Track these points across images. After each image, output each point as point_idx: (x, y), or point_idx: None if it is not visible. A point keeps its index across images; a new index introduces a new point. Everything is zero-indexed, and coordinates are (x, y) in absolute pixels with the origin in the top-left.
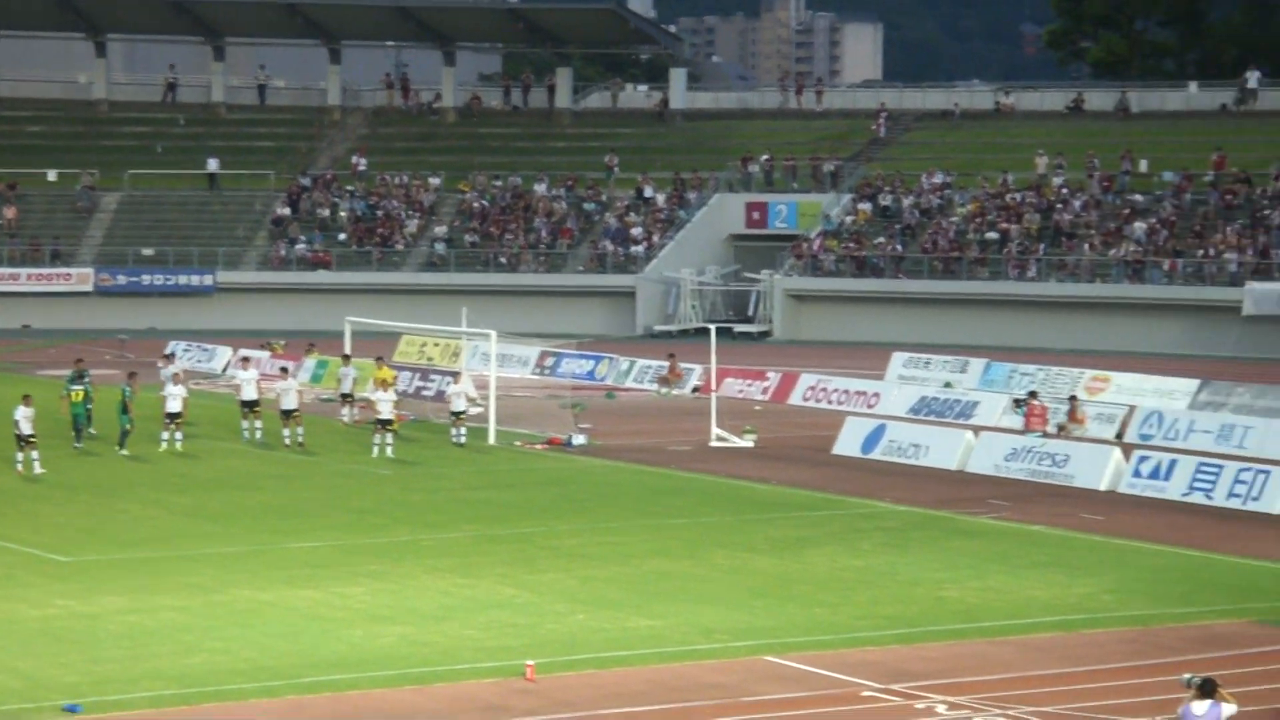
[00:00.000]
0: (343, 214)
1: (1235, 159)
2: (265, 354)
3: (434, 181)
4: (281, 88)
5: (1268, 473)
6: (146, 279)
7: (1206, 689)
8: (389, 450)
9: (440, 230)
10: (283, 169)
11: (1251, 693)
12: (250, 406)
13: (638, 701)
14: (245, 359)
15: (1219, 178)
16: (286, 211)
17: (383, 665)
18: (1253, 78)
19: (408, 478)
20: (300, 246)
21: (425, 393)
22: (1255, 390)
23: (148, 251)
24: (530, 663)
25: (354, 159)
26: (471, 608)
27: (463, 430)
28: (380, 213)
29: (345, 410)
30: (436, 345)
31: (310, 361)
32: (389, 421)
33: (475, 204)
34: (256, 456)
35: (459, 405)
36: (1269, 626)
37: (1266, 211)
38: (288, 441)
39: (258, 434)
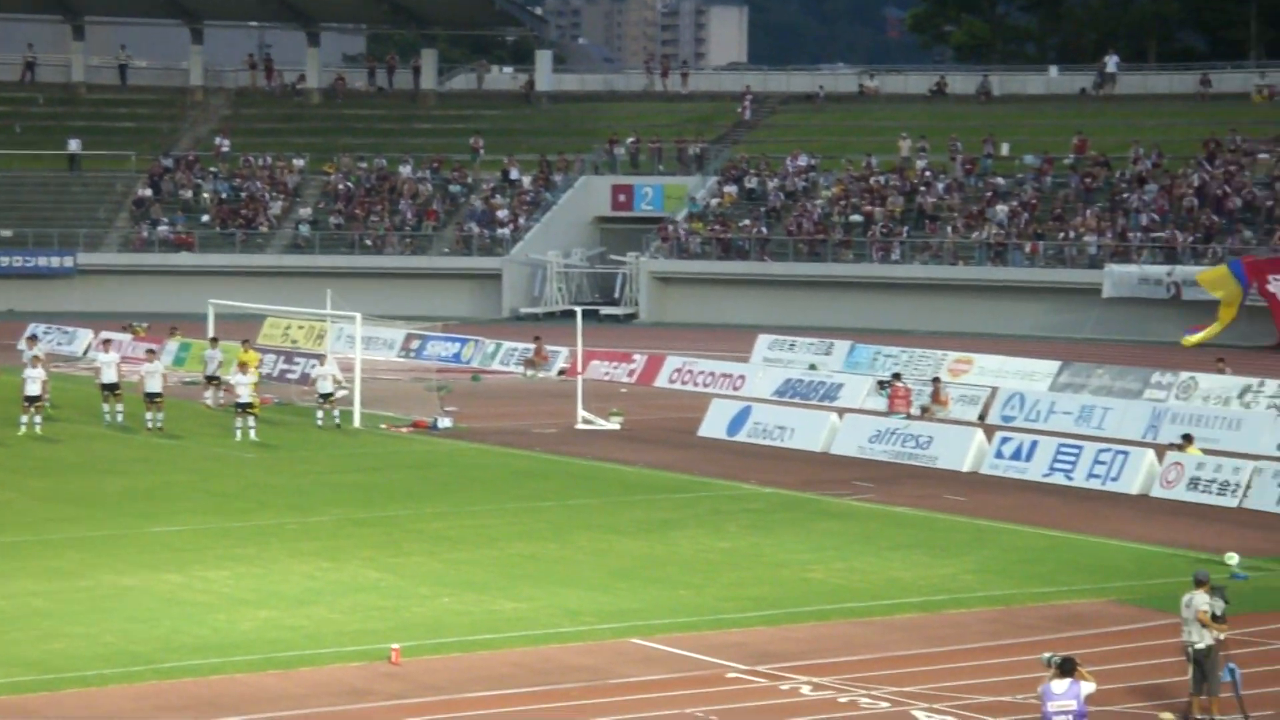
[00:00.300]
0: (205, 195)
1: (1095, 142)
2: (127, 337)
3: (298, 163)
4: (143, 68)
5: (1126, 453)
6: (5, 261)
7: (1066, 668)
8: (252, 433)
9: (305, 212)
10: (144, 150)
11: (1110, 671)
12: (111, 389)
13: (504, 684)
14: (106, 341)
15: (1079, 161)
16: (148, 193)
17: (246, 650)
18: (1111, 62)
19: (272, 461)
20: (163, 228)
21: (289, 375)
22: (1114, 372)
23: (6, 233)
24: (396, 646)
25: (217, 140)
26: (336, 591)
27: (336, 412)
28: (244, 194)
29: (208, 393)
30: (301, 328)
31: (173, 344)
32: (249, 405)
33: (340, 186)
34: (118, 440)
35: (326, 387)
36: (1127, 605)
37: (1125, 195)
38: (150, 425)
39: (119, 417)
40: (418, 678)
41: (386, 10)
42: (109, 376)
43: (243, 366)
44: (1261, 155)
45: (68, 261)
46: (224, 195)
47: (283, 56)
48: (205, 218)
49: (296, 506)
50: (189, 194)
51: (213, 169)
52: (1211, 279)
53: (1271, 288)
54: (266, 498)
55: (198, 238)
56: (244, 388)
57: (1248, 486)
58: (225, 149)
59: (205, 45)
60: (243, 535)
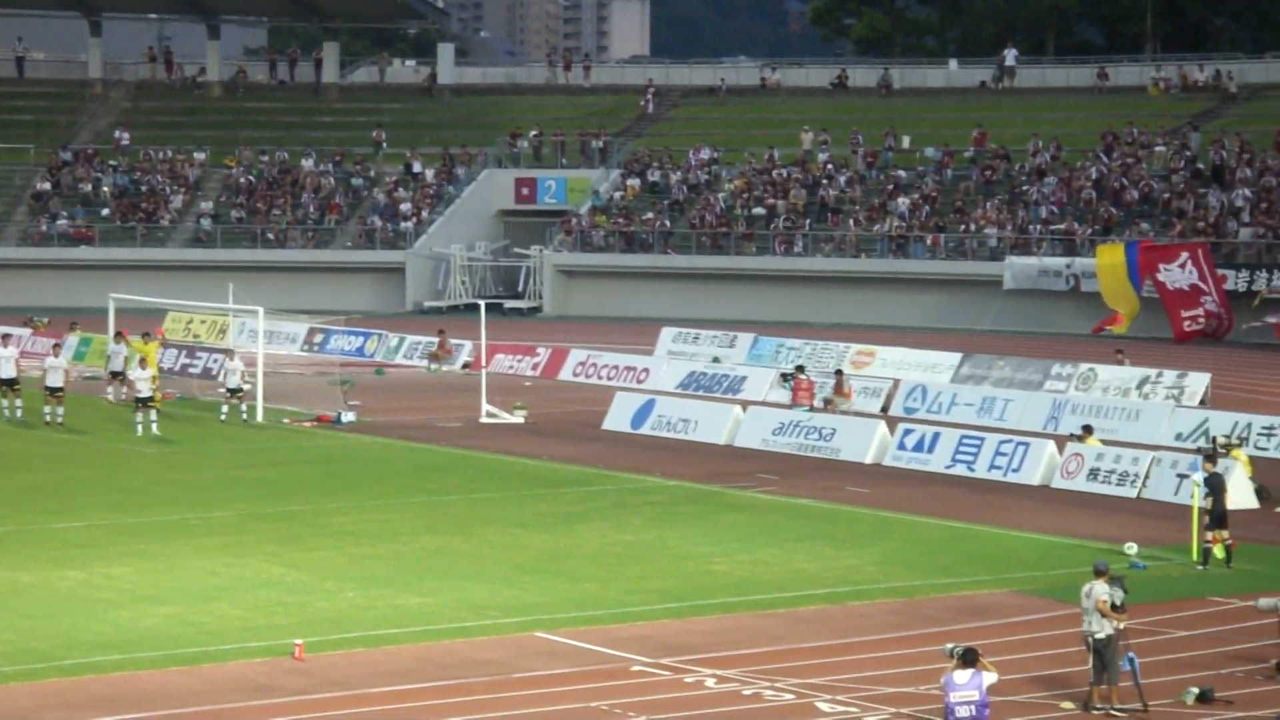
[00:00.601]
0: (105, 189)
1: (995, 135)
2: (27, 331)
3: (199, 156)
4: (40, 60)
5: (1027, 444)
6: None
7: (968, 658)
8: (154, 428)
9: (206, 206)
10: (43, 143)
11: (1012, 661)
12: (10, 385)
13: (408, 679)
14: (5, 336)
15: (979, 154)
16: (47, 186)
17: (149, 646)
18: (1010, 55)
19: (173, 456)
20: (62, 222)
21: (191, 370)
22: (1015, 363)
23: None
24: (299, 642)
25: (117, 133)
26: (240, 587)
27: (244, 406)
28: (144, 188)
29: (110, 389)
30: (203, 322)
31: (73, 339)
32: (149, 399)
33: (241, 179)
34: (17, 435)
35: (235, 382)
36: (1029, 596)
37: (1025, 187)
38: (48, 419)
39: (18, 413)
40: (321, 673)
41: (287, 3)
42: (7, 371)
43: (143, 362)
44: (1158, 148)
45: None
46: (124, 189)
47: (183, 49)
48: (105, 211)
49: (199, 502)
50: (88, 187)
51: (112, 162)
52: (1106, 265)
53: (1162, 277)
54: (168, 493)
55: (98, 231)
56: (144, 383)
57: (1146, 477)
58: (125, 142)
59: (104, 38)
60: (145, 531)
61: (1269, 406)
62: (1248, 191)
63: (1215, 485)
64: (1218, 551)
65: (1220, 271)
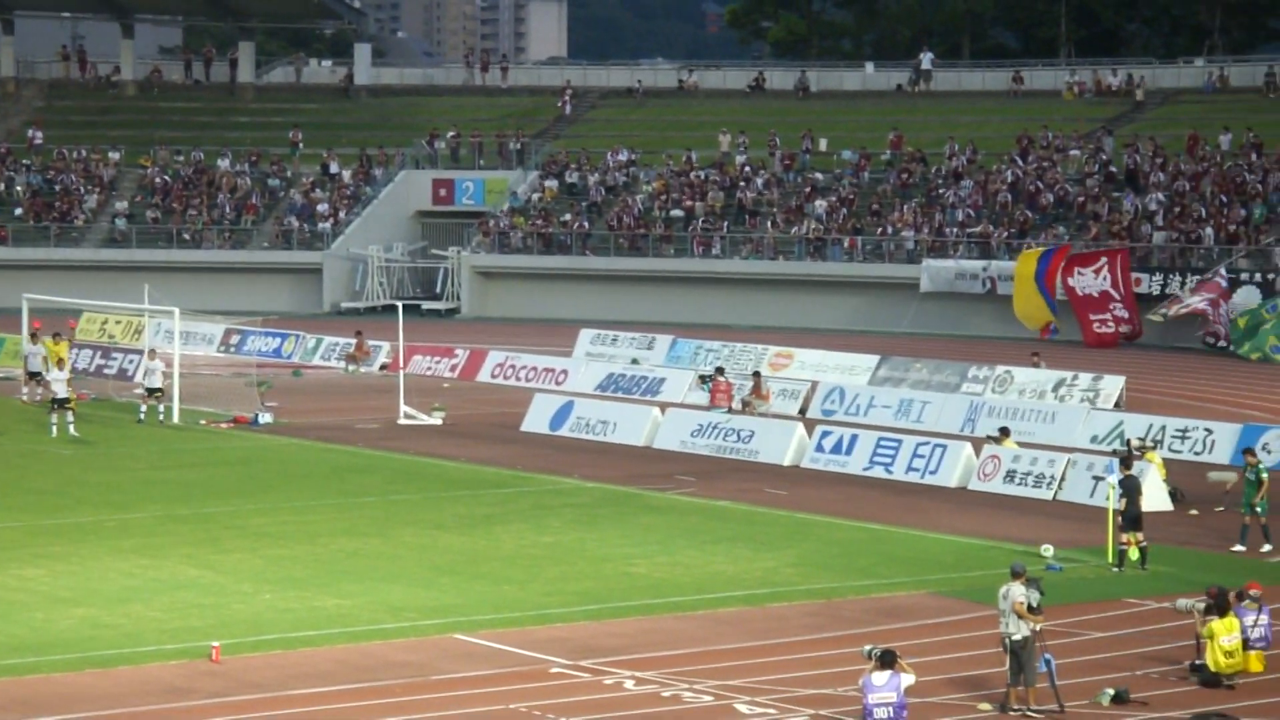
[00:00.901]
0: (18, 189)
1: (911, 138)
2: None
3: (114, 156)
4: None
5: (944, 446)
6: None
7: (886, 660)
8: (70, 429)
9: (121, 206)
10: None
11: (929, 662)
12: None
13: (326, 681)
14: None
15: (896, 157)
16: None
17: (64, 649)
18: (926, 59)
19: (90, 457)
20: None
21: (106, 370)
22: (932, 365)
23: None
24: (216, 644)
25: (30, 132)
26: (156, 589)
27: (161, 407)
28: (58, 187)
29: (26, 390)
30: (118, 323)
31: None
32: (65, 400)
33: (157, 179)
34: None
35: (156, 382)
36: (946, 597)
37: (941, 190)
38: None
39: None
40: (239, 675)
41: (203, 2)
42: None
43: (60, 363)
44: (1073, 151)
45: None
46: (37, 188)
47: (96, 48)
48: (18, 211)
49: (115, 503)
50: (1, 187)
51: (26, 161)
52: (1024, 275)
53: (1073, 281)
54: (84, 494)
55: (11, 231)
56: (60, 384)
57: (1062, 479)
58: (38, 141)
59: (16, 36)
60: (60, 533)
61: (1183, 409)
62: (1161, 195)
63: (1130, 488)
64: (1132, 553)
65: (1134, 275)
